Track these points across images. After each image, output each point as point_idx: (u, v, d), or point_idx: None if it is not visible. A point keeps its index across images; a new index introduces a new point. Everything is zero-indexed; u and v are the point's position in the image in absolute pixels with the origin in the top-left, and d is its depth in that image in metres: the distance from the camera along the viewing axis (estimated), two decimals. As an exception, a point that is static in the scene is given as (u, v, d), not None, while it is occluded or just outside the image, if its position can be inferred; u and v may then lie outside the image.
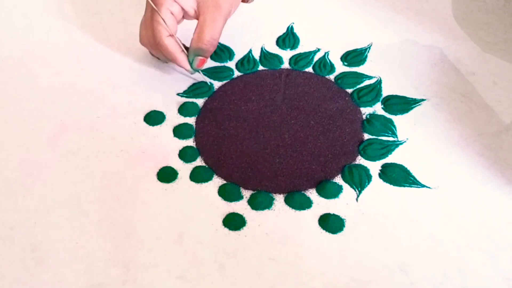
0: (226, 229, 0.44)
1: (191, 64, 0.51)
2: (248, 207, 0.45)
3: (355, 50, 0.58)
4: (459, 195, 0.45)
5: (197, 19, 0.51)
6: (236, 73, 0.56)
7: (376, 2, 0.64)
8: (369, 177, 0.47)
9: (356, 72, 0.56)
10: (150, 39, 0.51)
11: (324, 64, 0.57)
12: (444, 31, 0.60)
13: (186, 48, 0.52)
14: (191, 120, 0.52)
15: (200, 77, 0.54)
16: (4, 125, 0.52)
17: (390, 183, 0.46)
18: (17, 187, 0.47)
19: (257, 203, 0.45)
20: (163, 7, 0.49)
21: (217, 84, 0.55)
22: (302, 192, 0.46)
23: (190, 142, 0.50)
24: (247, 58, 0.58)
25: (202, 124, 0.52)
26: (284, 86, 0.55)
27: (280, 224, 0.44)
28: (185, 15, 0.52)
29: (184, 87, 0.55)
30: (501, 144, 0.48)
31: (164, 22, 0.49)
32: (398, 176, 0.46)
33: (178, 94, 0.54)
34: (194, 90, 0.55)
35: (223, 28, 0.51)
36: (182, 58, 0.51)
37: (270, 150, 0.49)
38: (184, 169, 0.48)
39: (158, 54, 0.53)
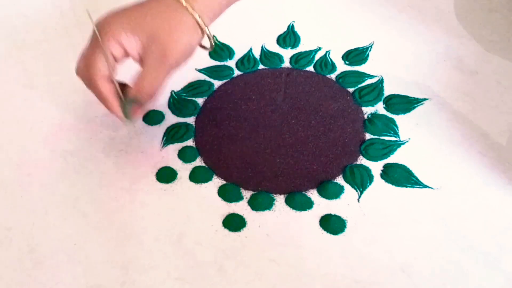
0: (226, 230, 0.43)
1: (125, 112, 0.46)
2: (248, 207, 0.45)
3: (356, 49, 0.58)
4: (462, 196, 0.45)
5: (141, 64, 0.46)
6: (236, 72, 0.56)
7: (378, 1, 0.63)
8: (370, 178, 0.46)
9: (357, 71, 0.55)
10: (86, 76, 0.45)
11: (325, 63, 0.56)
12: (447, 30, 0.59)
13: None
14: (191, 120, 0.52)
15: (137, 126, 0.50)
16: (1, 125, 0.52)
17: (392, 184, 0.46)
18: (14, 188, 0.46)
19: (257, 204, 0.45)
20: (104, 47, 0.44)
21: (217, 83, 0.55)
22: (303, 192, 0.45)
23: (190, 142, 0.50)
24: (247, 57, 0.57)
25: (202, 123, 0.51)
26: (285, 85, 0.54)
27: (281, 225, 0.43)
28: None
29: (181, 86, 0.54)
30: (504, 144, 0.48)
31: (107, 62, 0.44)
32: (400, 176, 0.46)
33: (175, 92, 0.54)
34: (192, 89, 0.54)
35: (167, 78, 0.45)
36: (115, 105, 0.46)
37: (270, 150, 0.48)
38: (183, 169, 0.47)
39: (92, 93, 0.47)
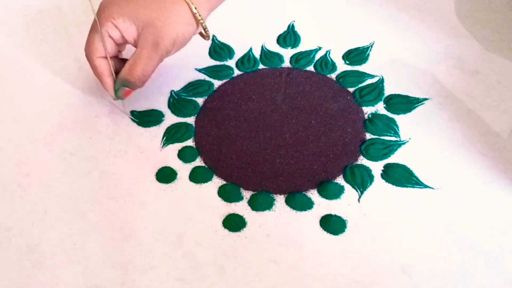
0: (226, 230, 0.43)
1: (116, 91, 0.49)
2: (248, 208, 0.45)
3: (357, 49, 0.58)
4: (462, 196, 0.44)
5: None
6: (236, 72, 0.56)
7: (378, 1, 0.63)
8: (371, 178, 0.46)
9: (358, 71, 0.55)
10: (86, 54, 0.49)
11: (326, 63, 0.56)
12: (447, 29, 0.59)
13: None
14: (191, 120, 0.52)
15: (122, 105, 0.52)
16: (1, 125, 0.52)
17: (393, 184, 0.46)
18: (13, 188, 0.46)
19: (257, 204, 0.45)
20: (102, 28, 0.47)
21: (217, 83, 0.55)
22: (303, 192, 0.45)
23: (190, 142, 0.50)
24: (248, 57, 0.57)
25: (202, 123, 0.51)
26: (285, 85, 0.54)
27: (281, 225, 0.43)
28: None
29: (181, 86, 0.54)
30: (505, 144, 0.48)
31: (103, 42, 0.47)
32: (400, 176, 0.46)
33: (175, 92, 0.54)
34: (192, 89, 0.54)
35: (158, 65, 0.48)
36: (108, 82, 0.49)
37: (270, 150, 0.48)
38: (183, 169, 0.47)
39: None
